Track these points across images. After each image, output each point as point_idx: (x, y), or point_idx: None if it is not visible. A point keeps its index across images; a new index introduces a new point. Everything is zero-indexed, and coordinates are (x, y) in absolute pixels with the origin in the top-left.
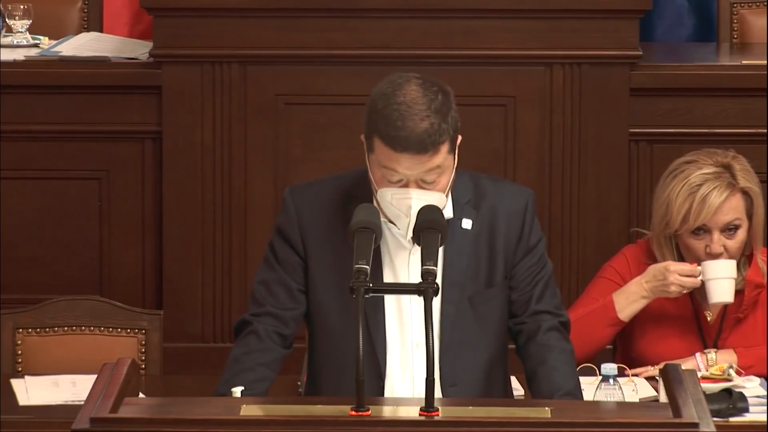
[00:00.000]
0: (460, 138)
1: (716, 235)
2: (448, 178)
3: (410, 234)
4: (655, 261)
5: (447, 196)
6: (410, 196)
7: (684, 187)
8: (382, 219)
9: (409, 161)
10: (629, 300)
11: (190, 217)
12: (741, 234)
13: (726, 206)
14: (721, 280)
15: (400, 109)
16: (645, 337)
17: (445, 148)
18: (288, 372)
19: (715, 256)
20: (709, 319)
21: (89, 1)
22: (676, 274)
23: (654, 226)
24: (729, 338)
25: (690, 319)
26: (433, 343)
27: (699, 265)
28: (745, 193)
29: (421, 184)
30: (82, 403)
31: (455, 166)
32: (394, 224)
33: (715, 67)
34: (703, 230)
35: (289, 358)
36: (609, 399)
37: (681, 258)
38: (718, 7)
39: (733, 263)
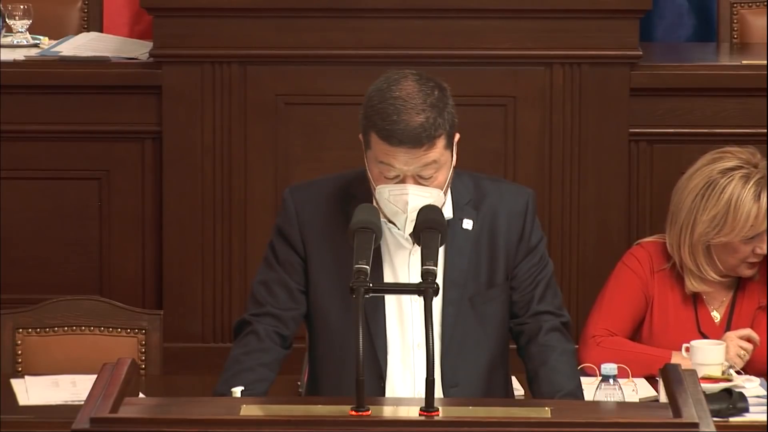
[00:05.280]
0: (458, 136)
1: (765, 236)
2: (445, 174)
3: (408, 230)
4: (667, 261)
5: (445, 194)
6: (407, 192)
7: (746, 196)
8: (382, 219)
9: (405, 155)
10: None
11: (190, 217)
12: None
13: None
14: (708, 366)
15: (396, 103)
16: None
17: (441, 142)
18: (288, 372)
19: (760, 257)
20: (716, 321)
21: (89, 1)
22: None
23: (697, 235)
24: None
25: (692, 326)
26: (433, 343)
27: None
28: None
29: (418, 179)
30: (82, 403)
31: (453, 164)
32: (394, 223)
33: (715, 67)
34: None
35: (289, 358)
36: (609, 399)
37: (713, 263)
38: (718, 7)
39: (722, 348)
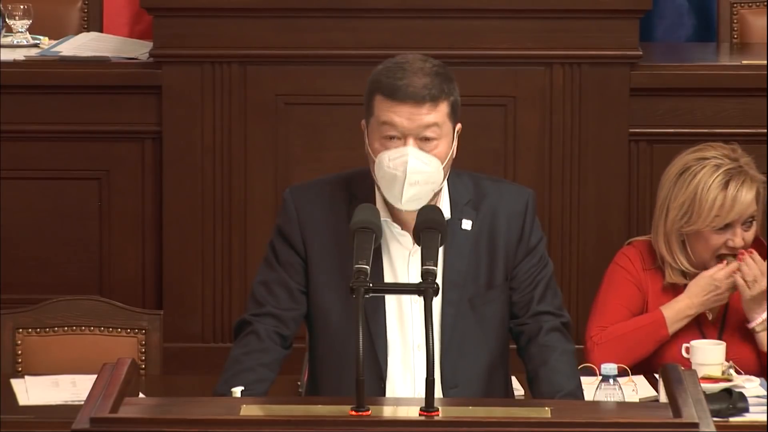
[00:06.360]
0: (460, 126)
1: (739, 229)
2: (446, 149)
3: (406, 197)
4: (656, 260)
5: (445, 175)
6: (407, 153)
7: (713, 183)
8: (383, 218)
9: (407, 112)
10: (679, 317)
11: (190, 217)
12: (755, 225)
13: (751, 200)
14: (708, 366)
15: (403, 66)
16: None
17: (443, 108)
18: (288, 372)
19: (733, 250)
20: (710, 318)
21: (89, 1)
22: (724, 280)
23: (669, 223)
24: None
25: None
26: (432, 343)
27: (689, 344)
28: (758, 185)
29: (420, 144)
30: (82, 403)
31: (454, 153)
32: (395, 224)
33: (715, 67)
34: (726, 225)
35: (289, 358)
36: (609, 399)
37: (688, 255)
38: (718, 7)
39: (722, 348)
